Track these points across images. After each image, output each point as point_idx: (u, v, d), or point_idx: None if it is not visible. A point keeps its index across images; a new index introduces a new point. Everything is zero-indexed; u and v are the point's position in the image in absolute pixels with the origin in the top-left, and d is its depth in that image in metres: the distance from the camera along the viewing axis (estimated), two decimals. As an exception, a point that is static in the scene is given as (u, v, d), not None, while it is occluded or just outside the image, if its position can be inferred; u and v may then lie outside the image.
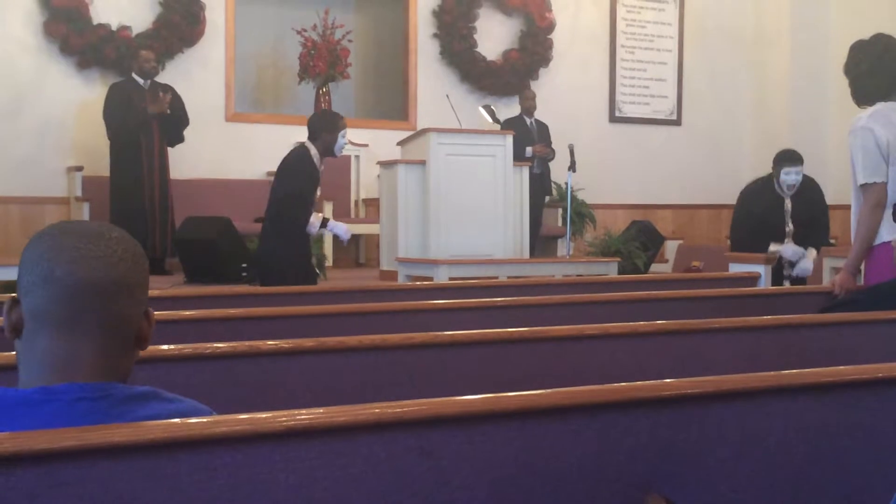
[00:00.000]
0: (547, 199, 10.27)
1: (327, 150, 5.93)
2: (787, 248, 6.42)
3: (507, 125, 9.31)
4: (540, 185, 9.48)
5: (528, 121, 9.76)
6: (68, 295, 1.44)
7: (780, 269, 6.34)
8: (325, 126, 5.92)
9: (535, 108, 9.87)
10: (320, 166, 5.95)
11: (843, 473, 2.07)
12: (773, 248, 6.30)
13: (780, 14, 11.80)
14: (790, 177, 6.40)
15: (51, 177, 8.97)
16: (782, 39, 11.78)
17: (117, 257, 1.47)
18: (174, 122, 8.68)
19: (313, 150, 5.90)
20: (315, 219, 5.94)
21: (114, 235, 1.50)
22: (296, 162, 5.92)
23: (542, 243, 9.75)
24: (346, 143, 6.07)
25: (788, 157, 6.44)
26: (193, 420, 1.50)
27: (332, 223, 6.16)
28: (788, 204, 6.49)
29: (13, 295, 1.49)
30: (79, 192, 8.91)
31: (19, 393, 1.43)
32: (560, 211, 9.94)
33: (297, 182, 5.85)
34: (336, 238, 6.68)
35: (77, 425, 1.41)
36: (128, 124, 8.41)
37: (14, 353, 1.50)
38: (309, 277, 6.02)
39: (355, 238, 10.09)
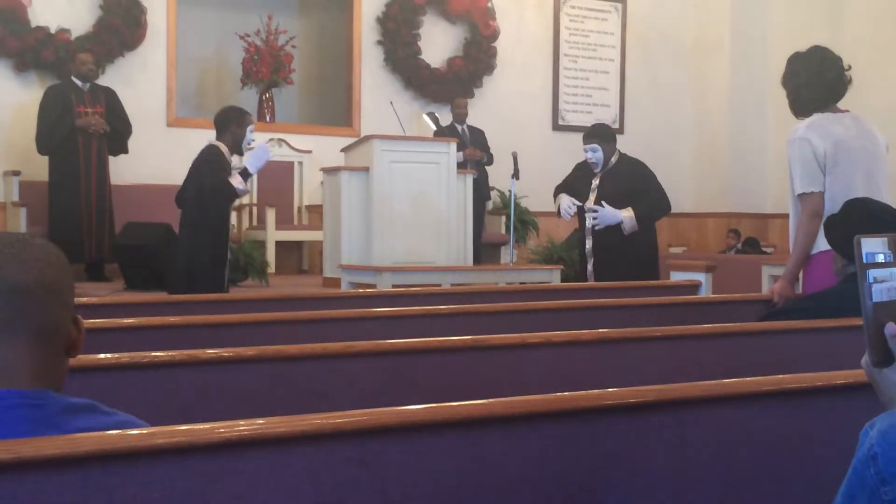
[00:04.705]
0: (490, 205, 10.28)
1: (236, 145, 5.97)
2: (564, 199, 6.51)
3: (439, 134, 9.35)
4: (478, 191, 9.48)
5: (459, 128, 9.77)
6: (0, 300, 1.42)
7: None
8: (234, 119, 5.96)
9: (466, 115, 9.90)
10: (231, 161, 5.96)
11: (782, 482, 2.08)
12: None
13: (721, 25, 11.96)
14: (586, 153, 6.48)
15: (-14, 181, 8.81)
16: (723, 50, 11.95)
17: (44, 262, 1.47)
18: (116, 135, 8.59)
19: (223, 148, 5.92)
20: (236, 182, 5.86)
21: (38, 242, 1.51)
22: (212, 157, 5.90)
23: (485, 250, 9.76)
24: (253, 140, 6.07)
25: (584, 135, 6.57)
26: (129, 432, 1.47)
27: (247, 162, 6.00)
28: (596, 181, 6.47)
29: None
30: (15, 197, 8.73)
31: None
32: (503, 218, 9.96)
33: (219, 175, 5.84)
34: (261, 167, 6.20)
35: (11, 432, 1.38)
36: (53, 138, 8.30)
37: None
38: (218, 284, 5.81)
39: (298, 245, 10.03)
